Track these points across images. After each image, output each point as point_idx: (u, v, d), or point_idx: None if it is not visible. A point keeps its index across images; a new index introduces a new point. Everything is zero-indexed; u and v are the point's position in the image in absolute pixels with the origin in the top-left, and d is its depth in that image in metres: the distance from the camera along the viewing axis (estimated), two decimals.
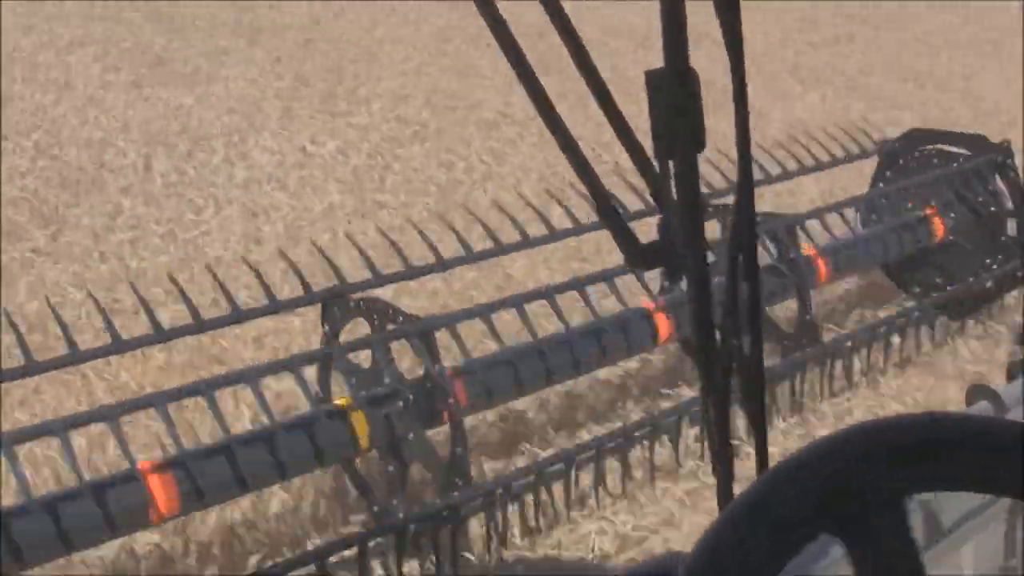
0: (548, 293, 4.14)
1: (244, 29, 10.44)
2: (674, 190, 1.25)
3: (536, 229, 4.41)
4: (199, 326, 3.58)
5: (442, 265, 4.12)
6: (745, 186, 1.29)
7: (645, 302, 4.36)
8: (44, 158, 7.05)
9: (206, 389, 3.35)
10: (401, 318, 3.68)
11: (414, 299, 5.12)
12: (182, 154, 7.27)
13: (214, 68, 9.20)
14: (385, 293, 4.48)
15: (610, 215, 1.31)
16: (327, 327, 3.91)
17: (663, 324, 4.33)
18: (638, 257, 1.30)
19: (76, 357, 3.32)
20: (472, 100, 8.87)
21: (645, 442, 4.01)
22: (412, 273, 4.06)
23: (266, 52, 9.78)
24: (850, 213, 5.21)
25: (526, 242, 4.35)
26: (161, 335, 3.49)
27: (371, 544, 3.26)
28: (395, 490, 3.70)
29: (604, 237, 3.96)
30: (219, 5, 11.04)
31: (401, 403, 3.60)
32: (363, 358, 3.77)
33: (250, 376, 3.47)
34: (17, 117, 7.71)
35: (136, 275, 5.48)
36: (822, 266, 4.91)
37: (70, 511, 3.01)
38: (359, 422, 3.53)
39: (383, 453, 3.68)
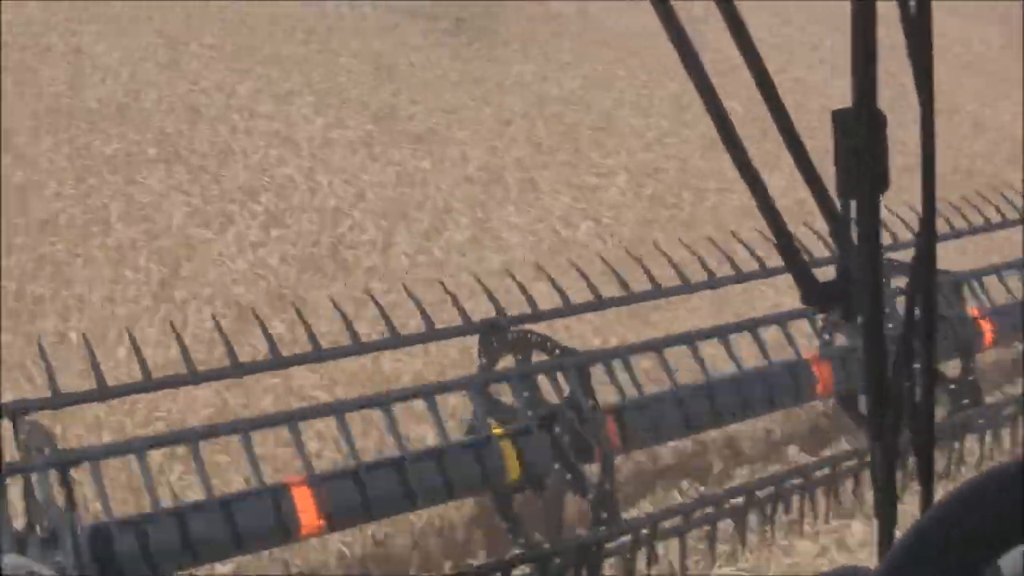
0: (718, 333, 4.18)
1: (469, 83, 9.72)
2: (855, 230, 1.28)
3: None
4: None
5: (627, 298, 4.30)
6: (927, 237, 1.31)
7: (806, 352, 4.34)
8: (276, 226, 6.38)
9: (384, 402, 3.53)
10: (558, 351, 3.73)
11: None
12: (425, 230, 6.54)
13: (445, 128, 8.47)
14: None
15: (790, 252, 1.34)
16: (483, 357, 3.97)
17: (824, 375, 4.29)
18: (815, 295, 1.32)
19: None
20: (723, 180, 7.92)
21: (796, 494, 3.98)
22: (574, 310, 4.16)
23: (496, 111, 9.02)
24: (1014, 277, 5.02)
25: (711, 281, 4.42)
26: None
27: (515, 572, 3.35)
28: (542, 522, 3.78)
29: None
30: (438, 54, 10.37)
31: (553, 436, 3.66)
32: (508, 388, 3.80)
33: (427, 392, 3.63)
34: (243, 175, 7.09)
35: (391, 378, 4.80)
36: (987, 329, 4.77)
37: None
38: (509, 452, 3.63)
39: (532, 484, 3.73)
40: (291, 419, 3.42)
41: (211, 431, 3.42)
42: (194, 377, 3.48)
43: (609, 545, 3.55)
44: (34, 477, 3.01)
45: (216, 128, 7.77)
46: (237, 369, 3.57)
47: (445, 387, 3.78)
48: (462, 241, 6.43)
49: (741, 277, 4.53)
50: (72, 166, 7.03)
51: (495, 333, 3.90)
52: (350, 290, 5.58)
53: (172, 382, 3.58)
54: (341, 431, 3.44)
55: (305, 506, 3.27)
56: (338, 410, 3.50)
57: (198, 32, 9.97)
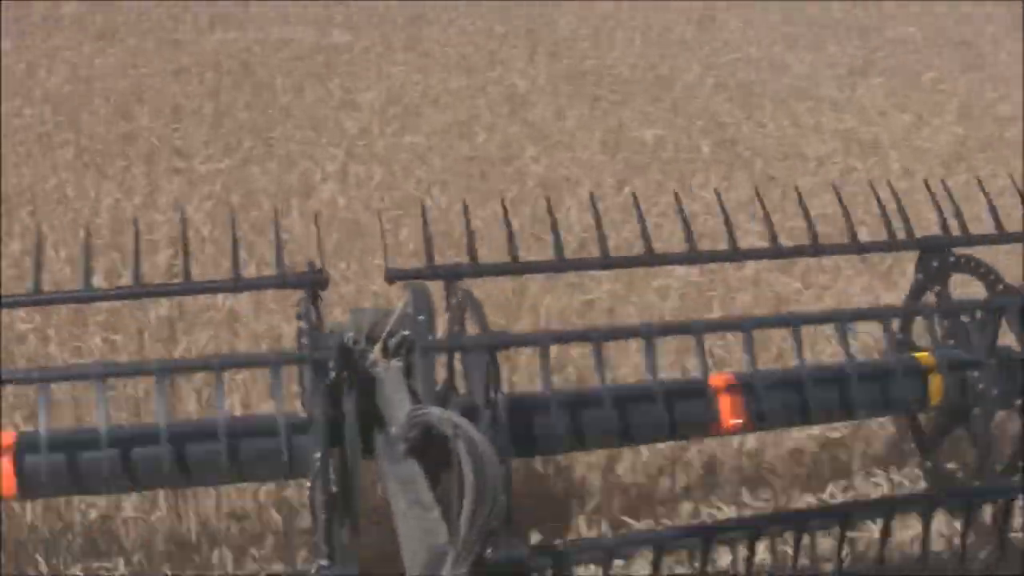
0: None
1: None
2: None
3: None
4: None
5: None
6: None
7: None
8: None
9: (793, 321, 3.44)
10: (1001, 287, 3.56)
11: None
12: None
13: None
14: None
15: None
16: (920, 276, 3.83)
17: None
18: None
19: None
20: None
21: None
22: None
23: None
24: None
25: None
26: None
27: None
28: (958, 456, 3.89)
29: None
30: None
31: (983, 374, 3.56)
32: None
33: (839, 317, 3.50)
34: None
35: None
36: None
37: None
38: (935, 380, 3.60)
39: (951, 417, 3.76)
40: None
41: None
42: None
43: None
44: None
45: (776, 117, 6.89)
46: None
47: (861, 315, 3.74)
48: None
49: None
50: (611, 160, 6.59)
51: (935, 255, 3.74)
52: None
53: None
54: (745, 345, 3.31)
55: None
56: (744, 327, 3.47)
57: None
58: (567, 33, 8.27)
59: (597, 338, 3.26)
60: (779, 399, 3.46)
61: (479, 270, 3.54)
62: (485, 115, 7.84)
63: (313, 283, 3.29)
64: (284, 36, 10.02)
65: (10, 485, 3.07)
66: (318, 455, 2.98)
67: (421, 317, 3.24)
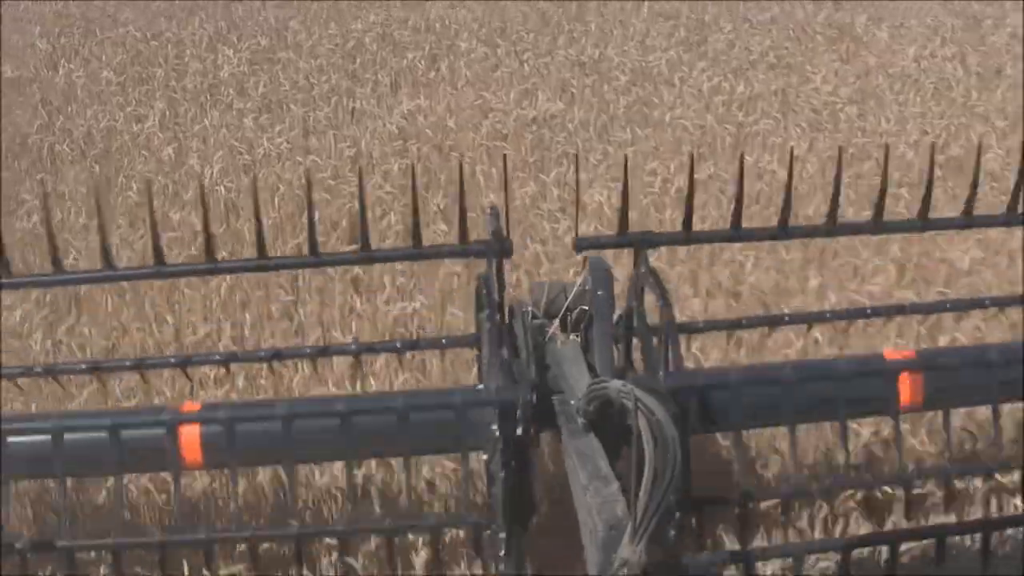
0: None
1: None
2: None
3: None
4: None
5: None
6: None
7: None
8: None
9: None
10: None
11: None
12: None
13: None
14: None
15: None
16: None
17: None
18: None
19: None
20: None
21: None
22: None
23: None
24: None
25: None
26: None
27: None
28: None
29: None
30: None
31: None
32: None
33: None
34: None
35: None
36: None
37: None
38: None
39: None
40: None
41: None
42: None
43: None
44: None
45: None
46: None
47: None
48: None
49: None
50: None
51: None
52: None
53: None
54: None
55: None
56: None
57: None
58: None
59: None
60: (963, 377, 3.30)
61: (673, 239, 3.50)
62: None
63: (497, 252, 3.26)
64: None
65: (195, 455, 3.19)
66: (495, 427, 2.99)
67: (600, 292, 3.22)
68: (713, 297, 5.16)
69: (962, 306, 4.21)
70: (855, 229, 3.77)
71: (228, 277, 5.10)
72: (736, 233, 3.43)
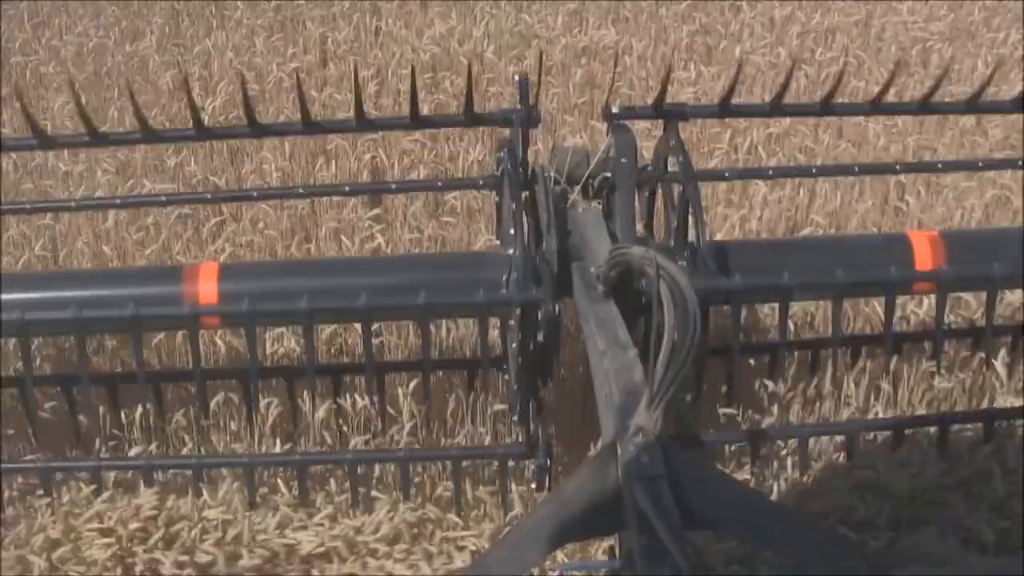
0: None
1: None
2: None
3: None
4: None
5: None
6: None
7: None
8: None
9: None
10: None
11: None
12: None
13: None
14: None
15: None
16: None
17: None
18: None
19: None
20: None
21: None
22: None
23: None
24: None
25: None
26: None
27: None
28: None
29: None
30: None
31: None
32: None
33: None
34: None
35: None
36: None
37: None
38: None
39: None
40: None
41: None
42: None
43: None
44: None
45: None
46: None
47: None
48: None
49: None
50: None
51: None
52: None
53: None
54: None
55: None
56: None
57: None
58: None
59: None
60: (985, 257, 3.29)
61: (708, 111, 3.45)
62: None
63: (524, 119, 3.21)
64: None
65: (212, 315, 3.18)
66: (513, 289, 3.01)
67: (624, 159, 3.19)
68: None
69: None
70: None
71: None
72: (776, 107, 3.38)
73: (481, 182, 3.56)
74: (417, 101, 3.22)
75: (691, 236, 3.09)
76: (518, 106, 3.23)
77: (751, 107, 4.27)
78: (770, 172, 4.30)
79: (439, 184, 4.39)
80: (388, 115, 5.43)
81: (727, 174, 4.00)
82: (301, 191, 4.02)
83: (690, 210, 3.07)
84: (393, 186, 4.07)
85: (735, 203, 4.75)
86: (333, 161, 5.03)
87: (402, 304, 3.15)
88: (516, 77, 3.34)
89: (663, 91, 3.22)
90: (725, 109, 3.34)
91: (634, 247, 2.54)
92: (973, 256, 3.27)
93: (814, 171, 4.38)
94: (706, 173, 3.84)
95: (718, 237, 4.21)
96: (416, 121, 3.31)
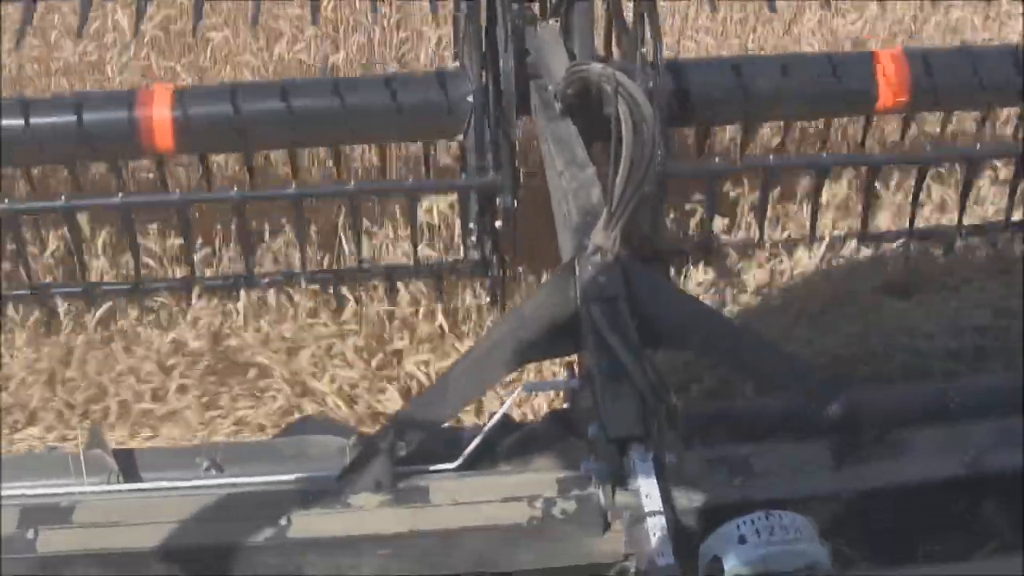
0: None
1: None
2: None
3: None
4: None
5: None
6: None
7: None
8: None
9: None
10: None
11: None
12: None
13: None
14: None
15: None
16: None
17: None
18: None
19: None
20: None
21: None
22: None
23: None
24: None
25: None
26: None
27: None
28: None
29: None
30: None
31: None
32: None
33: None
34: None
35: None
36: None
37: None
38: None
39: None
40: None
41: None
42: None
43: None
44: None
45: None
46: None
47: None
48: None
49: None
50: None
51: None
52: None
53: None
54: None
55: None
56: None
57: None
58: None
59: None
60: (951, 74, 3.32)
61: None
62: None
63: None
64: None
65: (166, 139, 3.14)
66: (471, 102, 2.98)
67: None
68: None
69: None
70: None
71: None
72: None
73: None
74: None
75: (651, 53, 3.04)
76: None
77: None
78: None
79: None
80: None
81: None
82: None
83: (647, 27, 3.02)
84: None
85: None
86: None
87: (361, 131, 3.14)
88: None
89: None
90: None
91: (592, 64, 2.50)
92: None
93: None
94: None
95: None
96: None
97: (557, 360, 2.77)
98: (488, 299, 3.22)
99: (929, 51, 3.42)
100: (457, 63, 3.30)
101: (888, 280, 3.37)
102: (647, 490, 1.76)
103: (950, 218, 3.52)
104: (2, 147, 3.06)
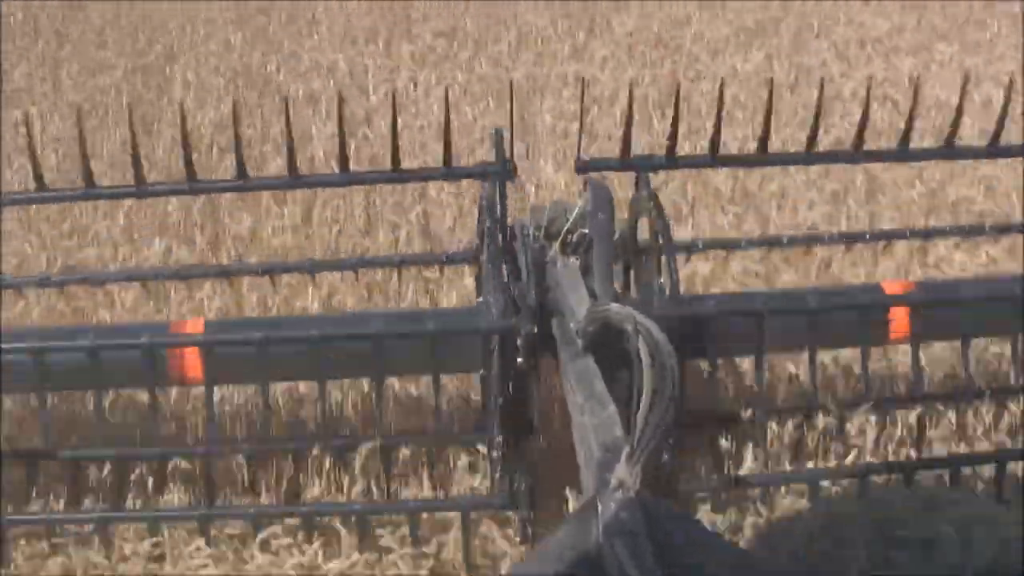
0: None
1: None
2: None
3: None
4: None
5: None
6: None
7: None
8: None
9: None
10: None
11: None
12: None
13: None
14: None
15: None
16: None
17: None
18: None
19: None
20: None
21: None
22: None
23: None
24: None
25: None
26: None
27: None
28: None
29: None
30: None
31: None
32: None
33: None
34: None
35: None
36: None
37: None
38: None
39: None
40: None
41: None
42: None
43: None
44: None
45: None
46: None
47: None
48: None
49: None
50: None
51: None
52: None
53: None
54: None
55: None
56: None
57: None
58: None
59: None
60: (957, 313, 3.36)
61: (676, 163, 3.42)
62: None
63: (500, 174, 3.26)
64: None
65: (196, 370, 3.18)
66: (494, 348, 3.01)
67: (601, 215, 3.21)
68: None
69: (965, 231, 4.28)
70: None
71: None
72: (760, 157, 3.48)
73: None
74: (398, 153, 3.26)
75: (668, 291, 3.11)
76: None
77: (733, 158, 4.32)
78: (743, 243, 4.28)
79: (420, 257, 4.36)
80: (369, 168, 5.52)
81: (700, 244, 4.09)
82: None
83: (667, 274, 3.11)
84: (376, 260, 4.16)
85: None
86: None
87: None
88: (492, 132, 3.38)
89: (627, 140, 3.26)
90: (713, 159, 3.42)
91: (612, 304, 2.56)
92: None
93: (785, 241, 4.30)
94: (682, 244, 3.91)
95: None
96: (397, 172, 3.34)
97: None
98: (519, 538, 3.18)
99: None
100: (480, 299, 3.36)
101: None
102: None
103: None
104: None
